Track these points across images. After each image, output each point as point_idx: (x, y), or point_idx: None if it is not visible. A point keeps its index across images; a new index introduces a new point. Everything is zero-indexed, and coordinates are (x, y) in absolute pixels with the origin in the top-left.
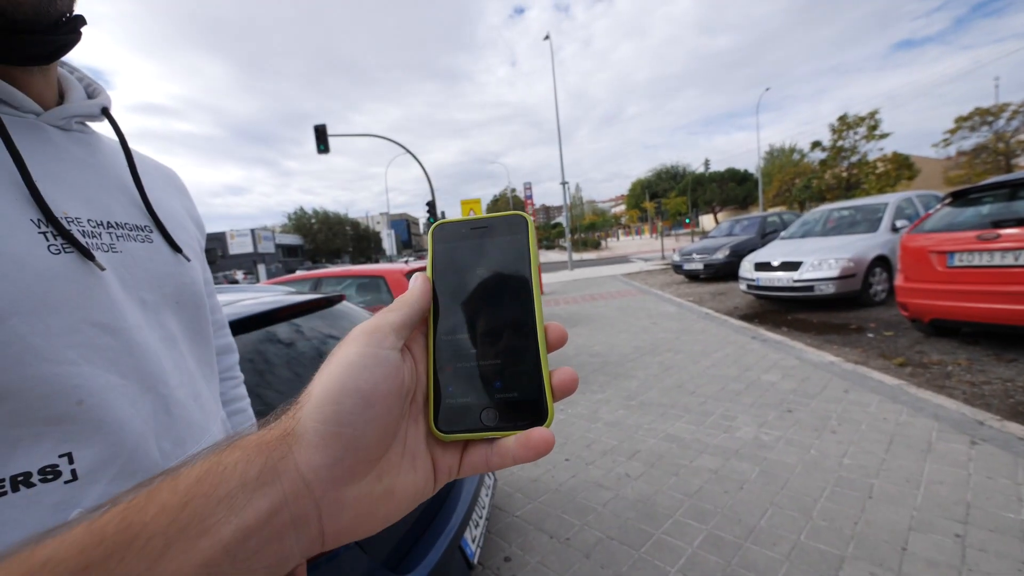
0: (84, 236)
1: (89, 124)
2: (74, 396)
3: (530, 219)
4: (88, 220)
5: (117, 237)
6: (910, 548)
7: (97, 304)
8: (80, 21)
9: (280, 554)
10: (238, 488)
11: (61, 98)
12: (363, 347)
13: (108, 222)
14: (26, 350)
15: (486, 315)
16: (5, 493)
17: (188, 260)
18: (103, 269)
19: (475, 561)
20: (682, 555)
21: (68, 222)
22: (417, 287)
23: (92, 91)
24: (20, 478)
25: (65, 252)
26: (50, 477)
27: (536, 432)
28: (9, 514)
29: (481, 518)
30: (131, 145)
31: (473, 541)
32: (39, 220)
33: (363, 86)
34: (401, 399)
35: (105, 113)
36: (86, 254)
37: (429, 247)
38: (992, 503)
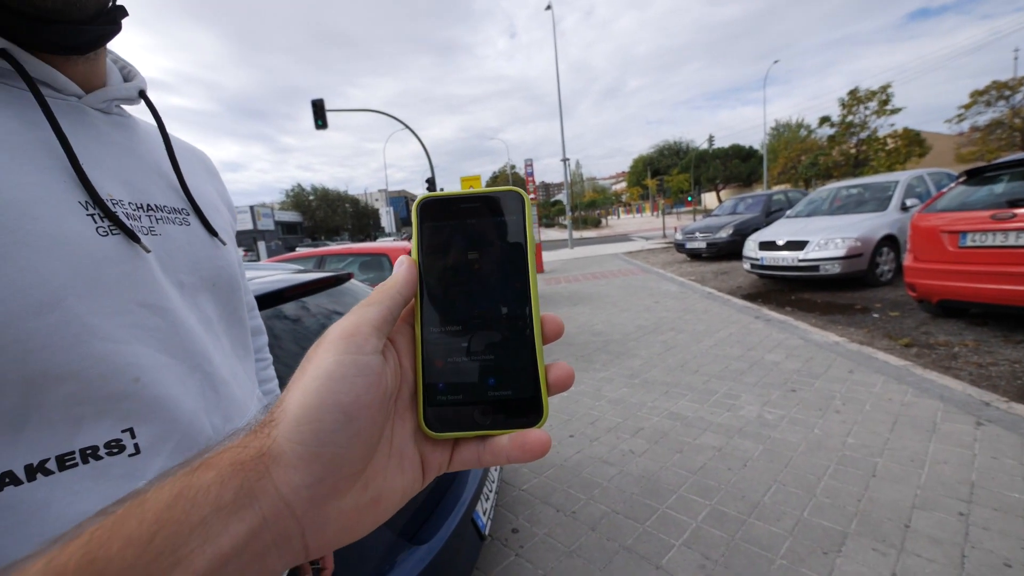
0: (128, 219)
1: (125, 107)
2: (130, 374)
3: (527, 196)
4: (129, 203)
5: (156, 220)
6: (913, 525)
7: (144, 285)
8: (121, 12)
9: (261, 574)
10: (212, 513)
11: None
12: (341, 354)
13: (148, 204)
14: (83, 330)
15: (478, 304)
16: (76, 464)
17: (224, 244)
18: (148, 251)
19: (486, 532)
20: (686, 529)
21: (113, 204)
22: (401, 274)
23: (128, 74)
24: (88, 451)
25: (112, 234)
26: (115, 451)
27: (533, 434)
28: (83, 484)
29: (491, 492)
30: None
31: (484, 513)
32: (86, 202)
33: (359, 60)
34: (385, 406)
35: (143, 96)
36: (132, 236)
37: (414, 225)
38: (997, 483)
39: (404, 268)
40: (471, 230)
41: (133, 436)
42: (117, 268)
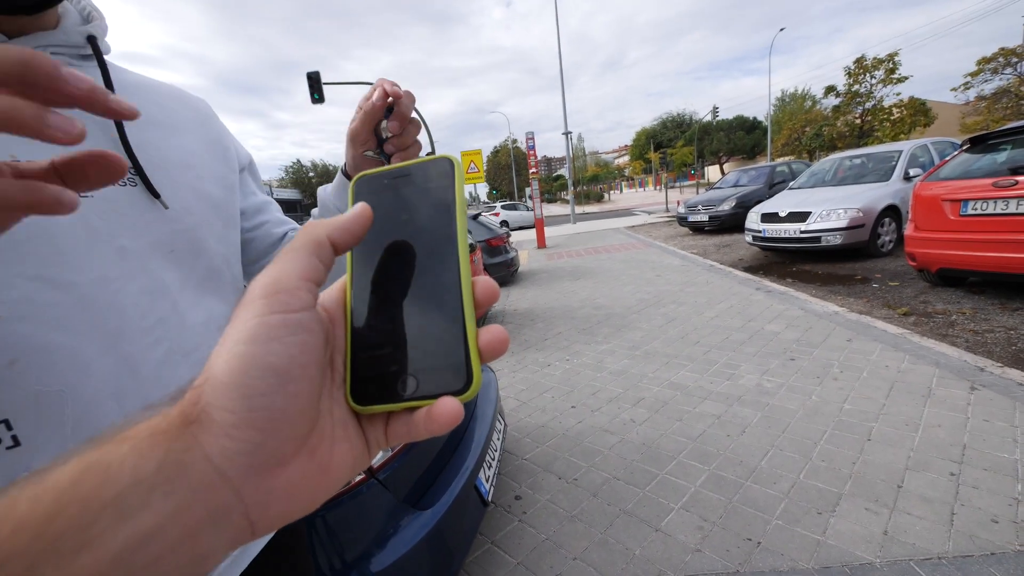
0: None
1: (108, 58)
2: (5, 356)
3: (457, 162)
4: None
5: None
6: (906, 486)
7: (38, 257)
8: None
9: (194, 554)
10: (129, 488)
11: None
12: (266, 314)
13: None
14: None
15: (405, 273)
16: None
17: (166, 208)
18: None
19: (489, 499)
20: (685, 493)
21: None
22: (345, 217)
23: (88, 18)
24: None
25: None
26: None
27: (439, 404)
28: None
29: (494, 460)
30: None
31: (487, 481)
32: None
33: (351, 31)
34: (324, 365)
35: (91, 42)
36: None
37: (349, 201)
38: (988, 444)
39: (354, 211)
40: (401, 200)
41: (9, 427)
42: None
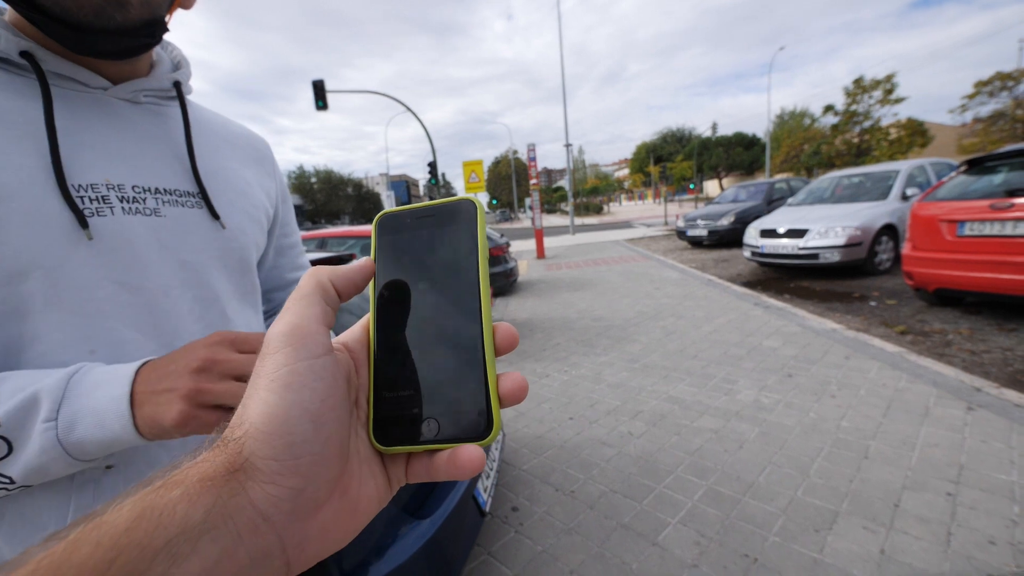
0: (124, 201)
1: (190, 97)
2: (86, 345)
3: (479, 204)
4: (132, 187)
5: (163, 202)
6: (902, 505)
7: (121, 265)
8: (160, 28)
9: None
10: (179, 535)
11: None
12: (294, 362)
13: (156, 188)
14: (48, 302)
15: (427, 316)
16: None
17: (224, 227)
18: (91, 239)
19: (487, 509)
20: (682, 508)
21: (108, 188)
22: (357, 266)
23: (177, 65)
24: None
25: (99, 215)
26: None
27: (464, 451)
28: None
29: (492, 470)
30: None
31: (485, 491)
32: (78, 186)
33: (354, 40)
34: (348, 404)
35: (176, 87)
36: (82, 223)
37: (373, 240)
38: (985, 465)
39: (359, 264)
40: (424, 241)
41: None
42: (90, 249)
